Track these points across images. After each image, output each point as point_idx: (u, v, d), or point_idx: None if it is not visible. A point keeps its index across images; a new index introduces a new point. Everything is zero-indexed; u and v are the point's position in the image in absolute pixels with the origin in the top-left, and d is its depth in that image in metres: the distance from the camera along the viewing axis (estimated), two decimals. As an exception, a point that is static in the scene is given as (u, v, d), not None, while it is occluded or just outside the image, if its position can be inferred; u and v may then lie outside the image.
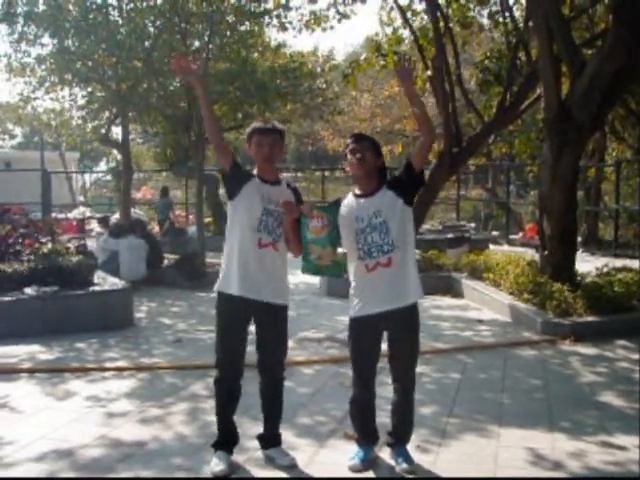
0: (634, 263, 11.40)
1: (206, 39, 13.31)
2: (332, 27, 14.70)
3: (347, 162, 4.44)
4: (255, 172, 4.56)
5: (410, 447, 4.63)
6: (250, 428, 4.77)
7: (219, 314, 4.57)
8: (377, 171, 4.43)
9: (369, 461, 4.55)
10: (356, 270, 4.43)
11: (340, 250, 4.44)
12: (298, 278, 12.38)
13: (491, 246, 16.24)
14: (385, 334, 4.50)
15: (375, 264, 4.33)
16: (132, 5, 13.02)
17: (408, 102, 4.45)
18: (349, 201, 4.47)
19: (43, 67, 14.18)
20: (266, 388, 4.66)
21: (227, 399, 4.59)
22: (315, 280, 11.87)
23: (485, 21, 14.80)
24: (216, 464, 4.48)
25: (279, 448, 4.66)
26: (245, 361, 4.60)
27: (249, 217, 4.42)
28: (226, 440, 4.61)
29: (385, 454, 4.66)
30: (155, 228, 18.74)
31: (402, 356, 4.50)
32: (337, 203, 4.52)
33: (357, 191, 4.48)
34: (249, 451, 4.68)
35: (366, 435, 4.62)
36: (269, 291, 4.47)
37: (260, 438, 4.70)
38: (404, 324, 4.44)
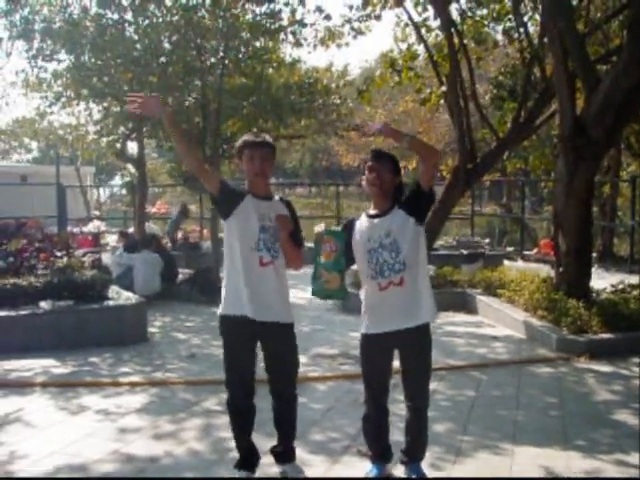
0: (650, 280, 11.33)
1: (221, 55, 13.38)
2: (347, 43, 14.76)
3: (364, 178, 4.39)
4: (246, 187, 4.48)
5: (424, 465, 4.60)
6: (264, 444, 4.75)
7: (224, 337, 4.51)
8: (393, 190, 4.38)
9: (383, 479, 4.53)
10: (368, 288, 4.41)
11: (352, 269, 4.44)
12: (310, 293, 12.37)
13: (505, 262, 16.18)
14: (397, 352, 4.46)
15: (388, 283, 4.29)
16: (148, 21, 13.09)
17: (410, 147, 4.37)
18: (362, 221, 4.44)
19: (59, 82, 14.28)
20: (279, 408, 4.59)
21: (241, 419, 4.54)
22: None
23: (499, 37, 14.85)
24: None
25: (293, 464, 4.63)
26: (256, 377, 4.55)
27: (247, 236, 4.35)
28: (246, 459, 4.56)
29: (399, 472, 4.63)
30: (169, 243, 18.76)
31: (414, 374, 4.46)
32: (347, 227, 4.50)
33: (371, 211, 4.44)
34: (262, 467, 4.64)
35: (379, 453, 4.59)
36: (274, 310, 4.40)
37: (274, 453, 4.65)
38: (415, 343, 4.40)
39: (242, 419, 4.54)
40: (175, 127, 4.37)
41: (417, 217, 4.32)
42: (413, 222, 4.30)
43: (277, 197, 4.61)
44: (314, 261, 4.40)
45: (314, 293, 4.48)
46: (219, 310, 4.51)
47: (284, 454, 4.64)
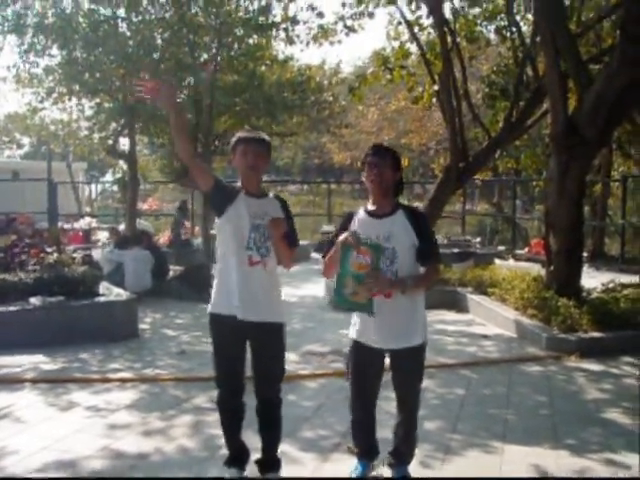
0: (640, 279, 11.37)
1: (214, 51, 13.38)
2: (340, 41, 14.78)
3: (364, 174, 4.26)
4: (239, 184, 4.38)
5: (414, 463, 4.59)
6: (254, 442, 4.71)
7: (213, 336, 4.43)
8: (394, 186, 4.28)
9: (367, 476, 4.51)
10: None
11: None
12: (303, 291, 12.42)
13: (497, 261, 16.21)
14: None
15: (377, 291, 4.09)
16: (140, 17, 13.06)
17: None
18: (361, 217, 4.28)
19: (51, 78, 14.22)
20: (263, 412, 4.47)
21: (231, 418, 4.49)
22: (321, 293, 11.88)
23: (492, 36, 14.84)
24: None
25: (277, 474, 4.49)
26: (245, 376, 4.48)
27: (238, 235, 4.26)
28: (236, 457, 4.52)
29: (387, 472, 4.62)
30: (161, 239, 18.71)
31: (405, 384, 4.39)
32: (346, 222, 4.31)
33: (370, 207, 4.30)
34: (251, 465, 4.60)
35: (366, 450, 4.57)
36: (263, 310, 4.29)
37: (258, 463, 4.53)
38: (406, 362, 4.30)
39: (232, 417, 4.49)
40: (179, 119, 4.21)
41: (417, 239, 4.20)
42: (414, 234, 4.17)
43: (272, 194, 4.51)
44: (341, 268, 4.09)
45: (338, 303, 4.22)
46: (209, 308, 4.44)
47: (267, 463, 4.50)
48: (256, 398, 4.46)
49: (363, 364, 4.35)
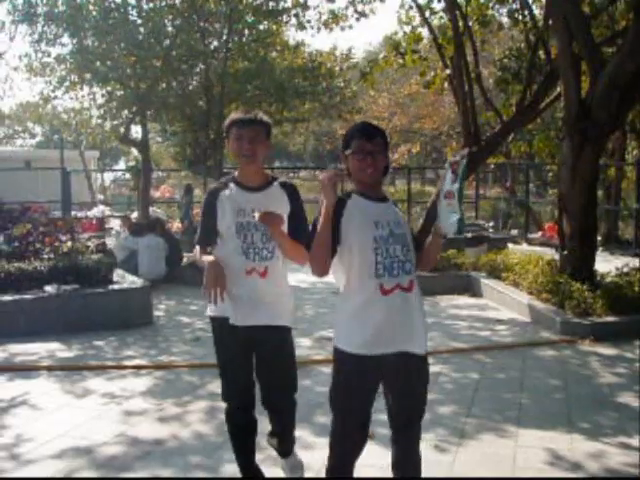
0: (654, 263, 11.31)
1: (225, 38, 13.37)
2: (351, 26, 14.77)
3: (350, 161, 3.41)
4: (236, 174, 3.85)
5: (427, 447, 4.60)
6: (266, 426, 4.72)
7: (216, 342, 4.00)
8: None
9: None
10: (361, 293, 3.39)
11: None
12: (315, 277, 12.36)
13: (510, 245, 16.16)
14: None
15: (394, 286, 3.31)
16: (151, 5, 13.07)
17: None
18: (357, 201, 3.39)
19: (63, 66, 14.29)
20: (274, 420, 4.06)
21: (243, 435, 4.02)
22: (332, 279, 11.89)
23: (504, 19, 14.79)
24: None
25: (289, 458, 4.25)
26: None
27: (228, 238, 3.75)
28: None
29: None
30: (174, 226, 18.76)
31: (407, 409, 3.52)
32: (338, 206, 3.33)
33: (363, 190, 3.43)
34: (267, 450, 4.60)
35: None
36: (264, 314, 3.77)
37: (271, 444, 4.24)
38: (412, 373, 3.43)
39: (243, 434, 4.04)
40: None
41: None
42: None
43: (276, 183, 3.84)
44: (459, 195, 3.41)
45: (462, 230, 3.42)
46: (207, 311, 3.96)
47: (279, 451, 4.24)
48: (264, 406, 4.01)
49: (358, 378, 3.41)
